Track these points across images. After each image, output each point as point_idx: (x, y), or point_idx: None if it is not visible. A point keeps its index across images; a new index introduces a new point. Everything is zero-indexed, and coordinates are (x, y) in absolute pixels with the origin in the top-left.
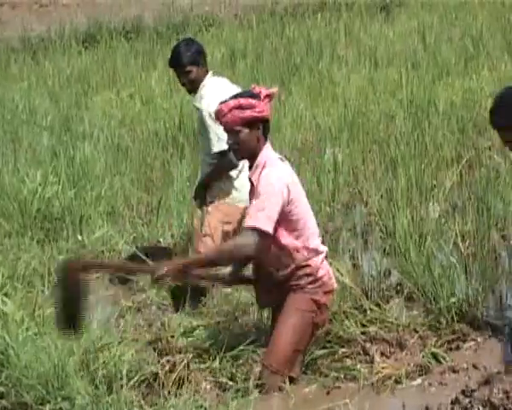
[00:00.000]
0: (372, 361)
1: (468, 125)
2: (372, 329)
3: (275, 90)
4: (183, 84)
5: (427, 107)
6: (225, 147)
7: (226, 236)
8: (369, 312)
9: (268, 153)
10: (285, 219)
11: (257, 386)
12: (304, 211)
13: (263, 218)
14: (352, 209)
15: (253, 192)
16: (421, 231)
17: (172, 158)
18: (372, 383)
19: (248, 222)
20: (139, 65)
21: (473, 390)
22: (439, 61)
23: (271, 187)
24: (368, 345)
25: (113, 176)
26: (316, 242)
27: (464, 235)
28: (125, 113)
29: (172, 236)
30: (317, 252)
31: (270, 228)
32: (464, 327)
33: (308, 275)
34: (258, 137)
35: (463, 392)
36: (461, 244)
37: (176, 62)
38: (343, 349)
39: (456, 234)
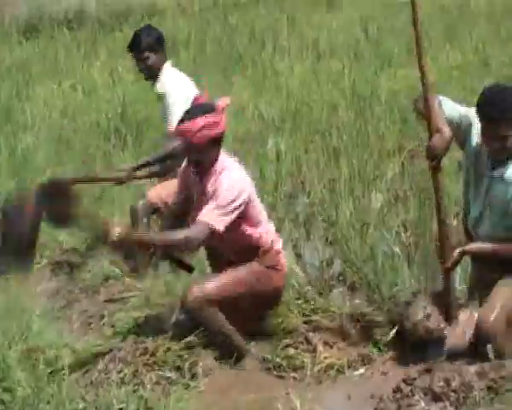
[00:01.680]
0: (315, 351)
1: (410, 116)
2: (315, 318)
3: (228, 100)
4: (141, 70)
5: (369, 97)
6: None
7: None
8: (312, 301)
9: (224, 157)
10: (246, 215)
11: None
12: (257, 202)
13: (218, 216)
14: (295, 199)
15: (204, 195)
16: (363, 221)
17: (115, 149)
18: (315, 373)
19: (203, 217)
20: (81, 55)
21: (414, 379)
22: (381, 51)
23: (232, 189)
24: (311, 335)
25: (55, 167)
26: (271, 226)
27: (406, 224)
28: (67, 103)
29: None
30: (274, 236)
31: (221, 227)
32: None
33: (265, 254)
34: (219, 149)
35: (405, 381)
36: (403, 234)
37: (134, 47)
38: (286, 340)
39: (398, 224)
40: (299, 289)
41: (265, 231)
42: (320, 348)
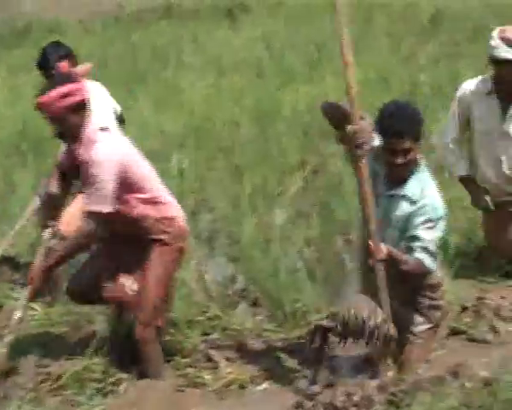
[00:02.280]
0: (217, 368)
1: (312, 132)
2: (217, 335)
3: (89, 66)
4: (52, 87)
5: (272, 113)
6: None
7: None
8: (214, 319)
9: (95, 129)
10: (126, 184)
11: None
12: (146, 171)
13: (99, 199)
14: (198, 216)
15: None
16: (266, 237)
17: (15, 166)
18: (217, 389)
19: (86, 207)
20: None
21: (316, 393)
22: (284, 67)
23: (101, 166)
24: (213, 352)
25: None
26: (166, 196)
27: (309, 240)
28: None
29: (13, 245)
30: (169, 204)
31: (107, 206)
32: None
33: (168, 225)
34: (84, 116)
35: (307, 395)
36: (306, 250)
37: (42, 64)
38: (185, 359)
39: (301, 240)
40: (201, 307)
41: (157, 201)
42: (222, 364)
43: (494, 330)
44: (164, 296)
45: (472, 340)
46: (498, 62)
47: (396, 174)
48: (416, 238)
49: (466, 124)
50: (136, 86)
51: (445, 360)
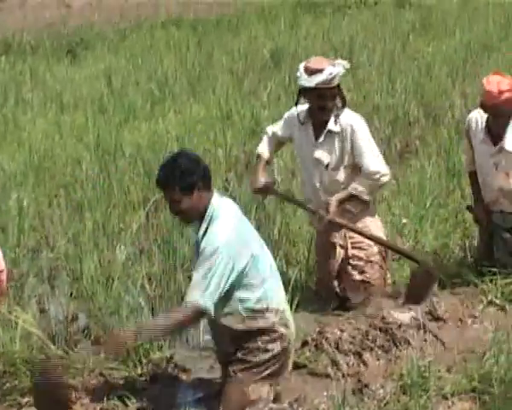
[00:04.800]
0: None
1: (154, 169)
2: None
3: None
4: None
5: (113, 150)
6: None
7: None
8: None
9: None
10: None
11: None
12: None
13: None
14: (39, 254)
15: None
16: (108, 275)
17: None
18: None
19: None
20: None
21: None
22: (125, 104)
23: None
24: None
25: None
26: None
27: (151, 277)
28: None
29: None
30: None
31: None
32: (154, 367)
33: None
34: None
35: None
36: (148, 286)
37: None
38: (25, 399)
39: (143, 276)
40: (42, 347)
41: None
42: None
43: (334, 363)
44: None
45: (313, 374)
46: (304, 90)
47: (183, 221)
48: None
49: None
50: None
51: (285, 395)
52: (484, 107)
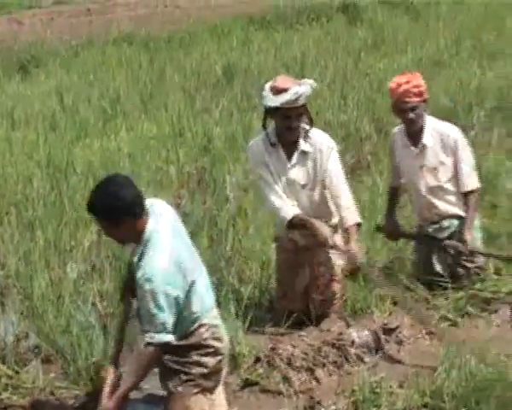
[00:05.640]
0: None
1: None
2: (8, 395)
3: None
4: None
5: (65, 168)
6: None
7: None
8: (3, 378)
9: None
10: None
11: None
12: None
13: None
14: None
15: None
16: (59, 293)
17: None
18: None
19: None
20: None
21: None
22: (77, 121)
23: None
24: None
25: None
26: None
27: (103, 294)
28: None
29: None
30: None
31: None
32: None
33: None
34: None
35: None
36: (99, 304)
37: None
38: None
39: (94, 294)
40: None
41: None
42: None
43: (287, 380)
44: None
45: (265, 391)
46: (270, 110)
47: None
48: None
49: None
50: None
51: None
52: (392, 107)
